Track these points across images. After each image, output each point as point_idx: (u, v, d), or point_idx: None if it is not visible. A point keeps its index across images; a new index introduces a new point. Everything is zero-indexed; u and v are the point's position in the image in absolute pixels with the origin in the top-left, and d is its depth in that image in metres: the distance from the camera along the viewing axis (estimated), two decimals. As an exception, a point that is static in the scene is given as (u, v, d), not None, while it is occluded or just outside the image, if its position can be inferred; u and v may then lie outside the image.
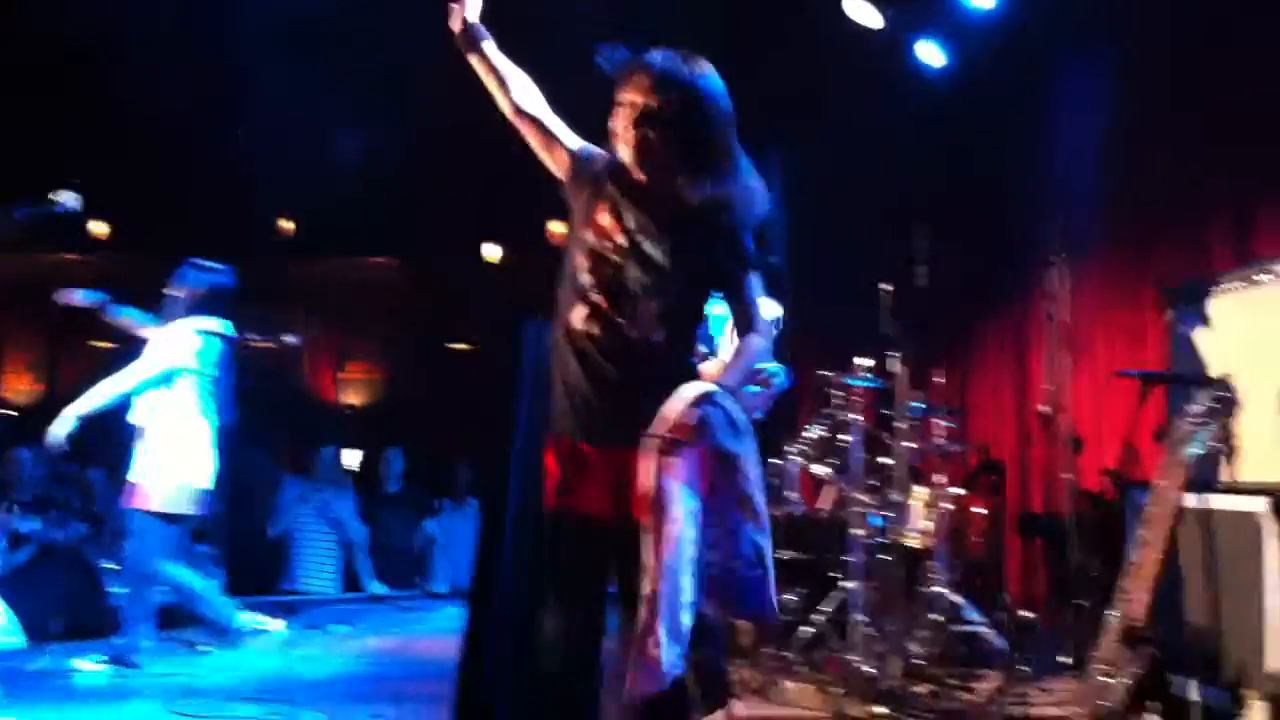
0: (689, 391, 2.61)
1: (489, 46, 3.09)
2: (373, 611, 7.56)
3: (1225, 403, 3.73)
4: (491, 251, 11.14)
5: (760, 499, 2.68)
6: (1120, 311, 5.86)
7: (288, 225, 11.21)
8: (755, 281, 2.89)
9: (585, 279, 2.82)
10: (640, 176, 2.84)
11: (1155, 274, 5.02)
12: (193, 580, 5.45)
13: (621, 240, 2.81)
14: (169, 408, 5.40)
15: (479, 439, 7.90)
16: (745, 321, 2.87)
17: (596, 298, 2.79)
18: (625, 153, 2.83)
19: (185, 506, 5.41)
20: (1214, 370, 3.89)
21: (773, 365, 3.61)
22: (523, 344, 3.50)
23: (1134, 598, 3.54)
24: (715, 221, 2.81)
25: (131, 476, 5.38)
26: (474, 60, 3.10)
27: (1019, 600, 6.27)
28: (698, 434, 2.57)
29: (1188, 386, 3.96)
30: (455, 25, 3.08)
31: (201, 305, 5.51)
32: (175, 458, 5.37)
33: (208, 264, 5.62)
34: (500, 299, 10.18)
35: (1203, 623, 3.87)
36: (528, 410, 3.43)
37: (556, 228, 9.94)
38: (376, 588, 8.16)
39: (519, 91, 3.02)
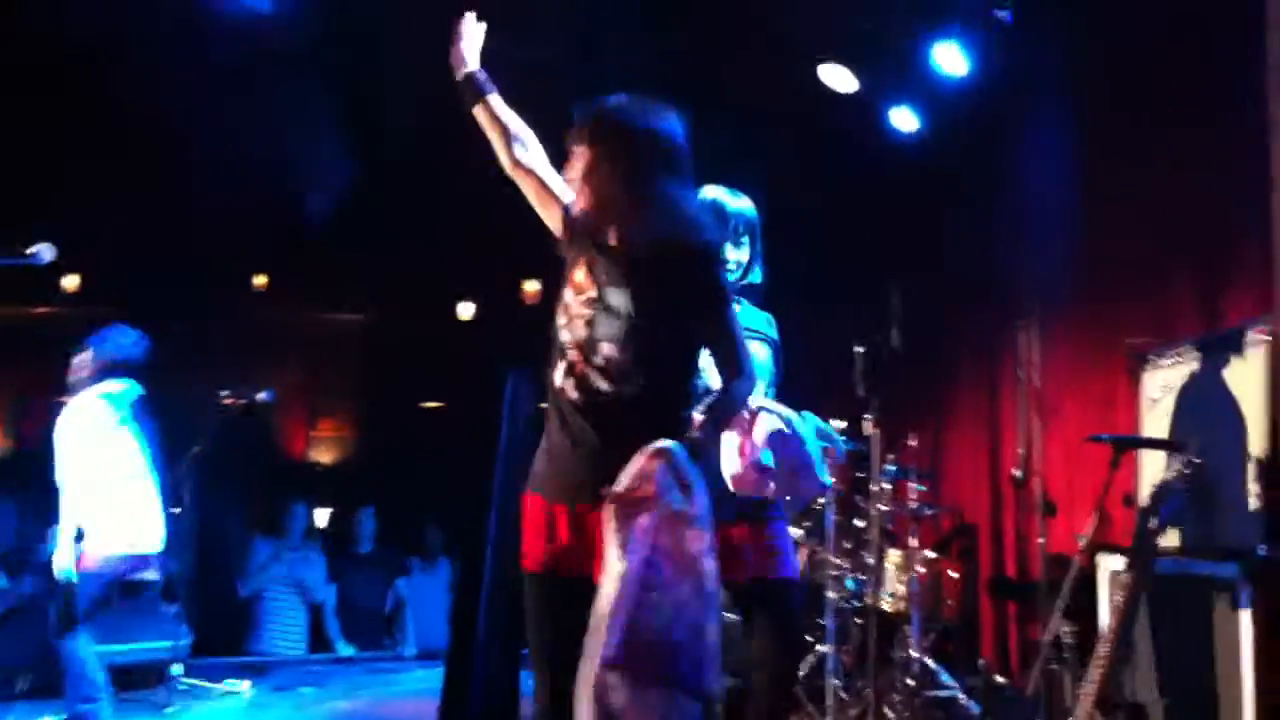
0: (647, 449, 2.58)
1: (495, 100, 3.09)
2: (342, 673, 7.48)
3: (1196, 467, 3.76)
4: (465, 310, 11.13)
5: (708, 564, 2.59)
6: (1091, 374, 5.89)
7: (261, 280, 11.17)
8: (732, 315, 2.83)
9: (563, 336, 2.82)
10: (599, 225, 2.85)
11: (1125, 337, 5.04)
12: (88, 657, 5.20)
13: (592, 293, 2.81)
14: (102, 471, 5.29)
15: (454, 497, 7.87)
16: (725, 360, 2.80)
17: (572, 355, 2.79)
18: (580, 203, 2.85)
19: (121, 568, 5.31)
20: (1184, 435, 3.91)
21: (829, 429, 3.66)
22: (506, 397, 3.51)
23: (1110, 665, 3.54)
24: (673, 259, 2.77)
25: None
26: (478, 112, 3.10)
27: (993, 665, 6.24)
28: (645, 494, 2.54)
29: (1159, 451, 3.98)
30: (459, 74, 3.08)
31: (110, 371, 5.43)
32: (114, 521, 5.26)
33: (122, 329, 5.56)
34: (473, 357, 10.15)
35: (1178, 689, 3.86)
36: (504, 467, 3.43)
37: (531, 286, 9.96)
38: (345, 649, 8.08)
39: (520, 146, 3.02)
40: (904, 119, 7.06)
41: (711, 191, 3.65)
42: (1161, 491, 3.71)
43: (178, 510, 6.52)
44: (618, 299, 2.77)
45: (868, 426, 5.35)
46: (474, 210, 8.43)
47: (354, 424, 12.25)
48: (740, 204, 3.70)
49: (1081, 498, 5.74)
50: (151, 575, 5.61)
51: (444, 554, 8.82)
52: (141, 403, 5.52)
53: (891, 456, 5.66)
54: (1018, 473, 5.79)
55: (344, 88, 7.56)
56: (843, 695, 5.25)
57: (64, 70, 7.12)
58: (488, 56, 3.15)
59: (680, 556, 2.55)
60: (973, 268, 7.14)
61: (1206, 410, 4.01)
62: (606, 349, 2.75)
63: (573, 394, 2.77)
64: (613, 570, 2.52)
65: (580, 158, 2.83)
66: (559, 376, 2.80)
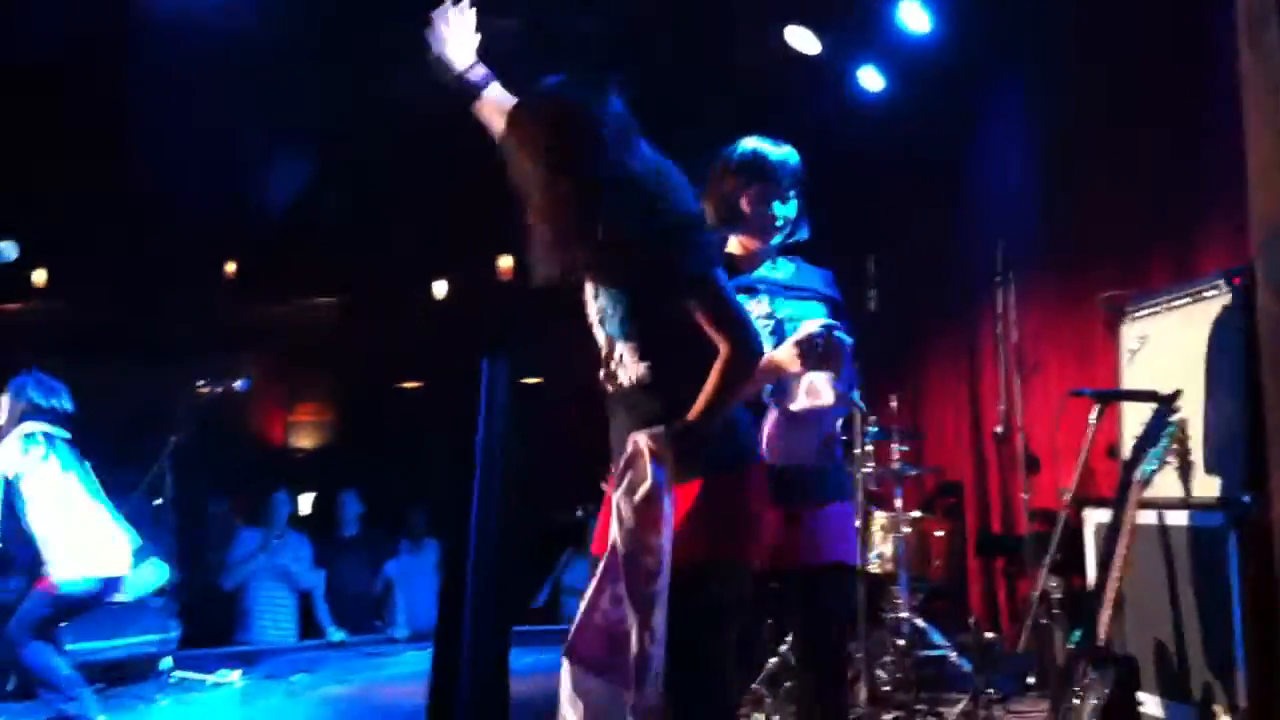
0: (634, 437, 2.55)
1: (491, 95, 2.98)
2: (333, 658, 7.44)
3: (1178, 418, 3.77)
4: (440, 288, 11.07)
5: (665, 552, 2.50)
6: (1068, 328, 5.90)
7: (231, 268, 11.10)
8: (719, 284, 2.63)
9: (596, 334, 2.79)
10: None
11: (1100, 290, 5.04)
12: (47, 660, 5.33)
13: (591, 288, 2.78)
14: (51, 506, 5.45)
15: (437, 480, 7.85)
16: (718, 332, 2.58)
17: (602, 352, 2.77)
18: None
19: (91, 591, 5.44)
20: (1164, 386, 3.91)
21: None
22: (482, 383, 3.47)
23: (1099, 617, 3.56)
24: (638, 236, 2.60)
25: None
26: (480, 109, 3.00)
27: (983, 622, 6.27)
28: (637, 480, 2.51)
29: (1141, 403, 3.99)
30: (450, 74, 2.99)
31: (31, 414, 5.55)
32: (79, 547, 5.42)
33: (37, 378, 5.67)
34: (450, 336, 10.11)
35: (1168, 640, 3.88)
36: (484, 455, 3.40)
37: (506, 262, 9.91)
38: (336, 634, 8.05)
39: None
40: (870, 79, 7.04)
41: (751, 142, 3.39)
42: (1145, 443, 3.73)
43: (159, 502, 6.53)
44: (606, 291, 2.72)
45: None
46: (444, 187, 8.41)
47: (332, 407, 12.21)
48: (783, 153, 3.39)
49: (1064, 452, 5.75)
50: (121, 597, 5.72)
51: (430, 534, 8.79)
52: (69, 444, 5.63)
53: (873, 418, 5.66)
54: (999, 429, 5.80)
55: (309, 69, 7.48)
56: (834, 659, 5.26)
57: (25, 67, 7.03)
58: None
59: (649, 545, 2.48)
60: (946, 227, 7.14)
61: (1184, 360, 4.01)
62: (616, 342, 2.72)
63: (606, 389, 2.76)
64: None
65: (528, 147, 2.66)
66: (600, 377, 2.78)
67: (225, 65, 7.05)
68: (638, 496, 2.48)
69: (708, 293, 2.61)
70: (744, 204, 3.37)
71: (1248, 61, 2.05)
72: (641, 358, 2.67)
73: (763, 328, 3.22)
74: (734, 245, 3.45)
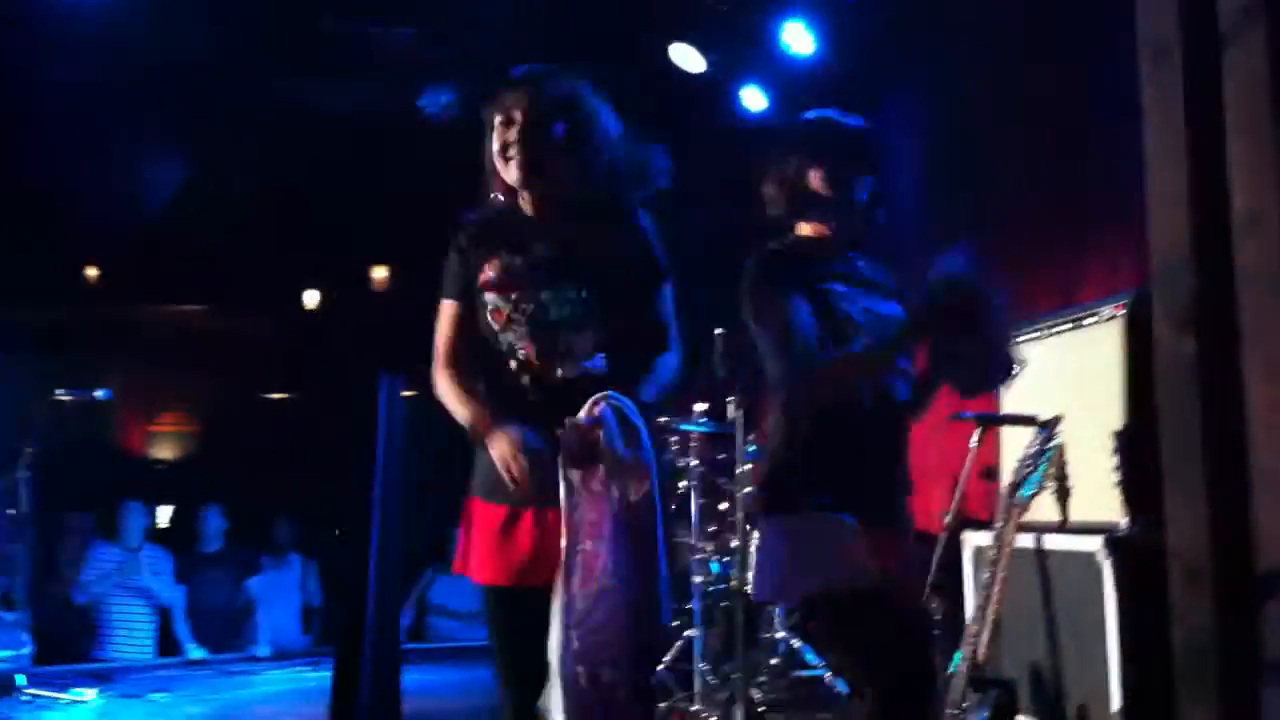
0: (595, 397, 2.51)
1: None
2: (193, 676, 7.22)
3: (1059, 443, 3.82)
4: (311, 298, 10.87)
5: (653, 515, 2.52)
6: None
7: (94, 272, 10.77)
8: (668, 295, 2.74)
9: (506, 338, 2.71)
10: (531, 199, 2.75)
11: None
12: None
13: (521, 279, 2.72)
14: None
15: (317, 496, 7.68)
16: (666, 330, 2.71)
17: (523, 351, 2.69)
18: (513, 173, 2.74)
19: None
20: (1044, 411, 3.96)
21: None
22: (381, 401, 3.39)
23: (978, 640, 3.58)
24: (618, 225, 2.73)
25: None
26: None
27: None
28: (594, 435, 2.46)
29: (1021, 427, 4.03)
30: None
31: None
32: None
33: None
34: (320, 347, 9.93)
35: (1045, 663, 3.93)
36: (383, 473, 3.32)
37: (379, 274, 9.77)
38: (196, 651, 7.81)
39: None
40: (753, 99, 7.08)
41: (821, 113, 3.14)
42: (1025, 466, 3.77)
43: (13, 512, 6.28)
44: (564, 278, 2.69)
45: (730, 409, 5.34)
46: (318, 196, 8.26)
47: (196, 418, 11.90)
48: (855, 125, 3.10)
49: (939, 473, 5.82)
50: None
51: (294, 550, 8.60)
52: None
53: (753, 437, 5.66)
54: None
55: (179, 73, 7.29)
56: (710, 679, 5.24)
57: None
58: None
59: (628, 510, 2.47)
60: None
61: (1065, 386, 4.07)
62: (565, 335, 2.67)
63: (532, 382, 2.69)
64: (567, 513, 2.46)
65: (518, 124, 2.71)
66: (510, 378, 2.70)
67: (94, 64, 6.85)
68: (616, 455, 2.43)
69: (668, 291, 2.68)
70: (814, 183, 3.06)
71: (1150, 94, 2.07)
72: (597, 348, 2.64)
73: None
74: (805, 230, 3.13)
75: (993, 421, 4.13)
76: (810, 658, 5.46)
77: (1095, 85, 4.68)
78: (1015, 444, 4.03)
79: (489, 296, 2.73)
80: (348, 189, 7.88)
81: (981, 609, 3.62)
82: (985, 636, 3.56)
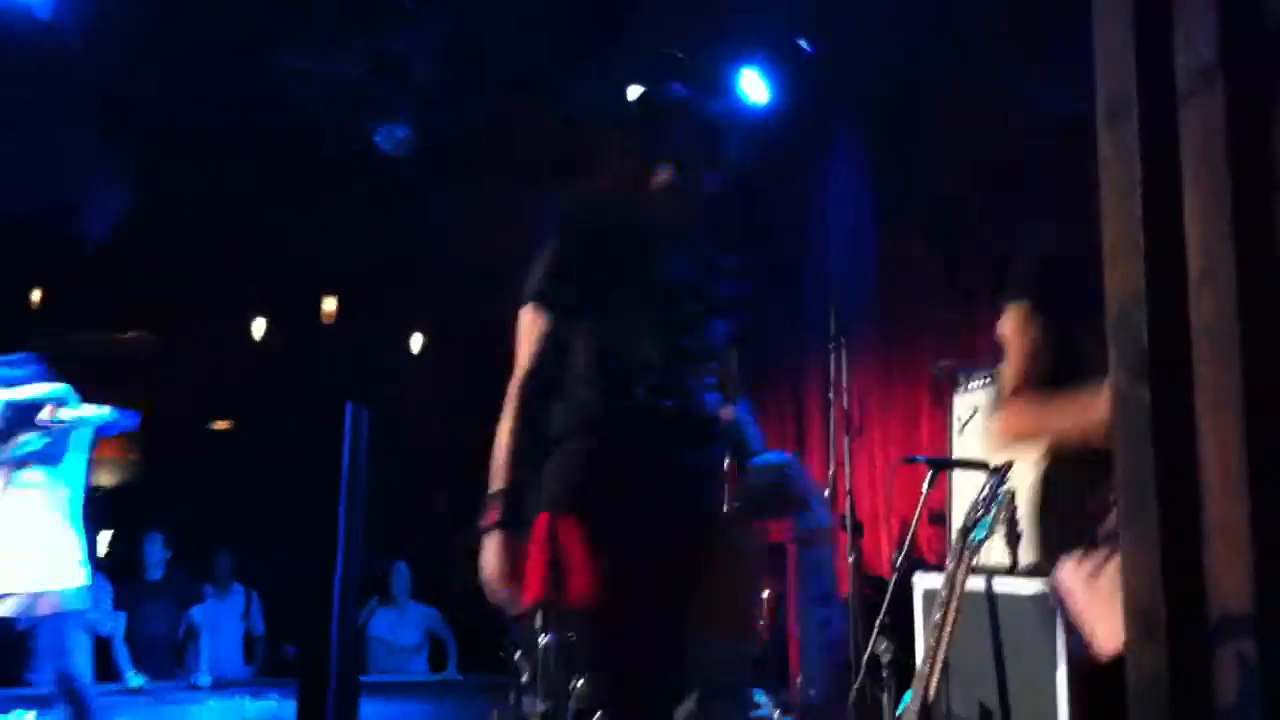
0: None
1: None
2: (131, 704, 7.13)
3: (1007, 487, 3.87)
4: (258, 327, 10.78)
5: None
6: (897, 396, 6.04)
7: (37, 296, 10.65)
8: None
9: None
10: None
11: (930, 360, 5.18)
12: None
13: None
14: None
15: (262, 526, 7.62)
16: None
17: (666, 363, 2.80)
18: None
19: None
20: (994, 456, 4.01)
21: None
22: (345, 429, 3.39)
23: (927, 681, 3.61)
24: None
25: None
26: None
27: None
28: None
29: (972, 471, 4.09)
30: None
31: None
32: None
33: None
34: (267, 376, 9.85)
35: (993, 704, 3.96)
36: (347, 500, 3.32)
37: (329, 305, 9.72)
38: (135, 679, 7.70)
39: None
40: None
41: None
42: (978, 510, 3.82)
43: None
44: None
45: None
46: (268, 224, 8.22)
47: (138, 446, 11.75)
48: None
49: (888, 516, 5.88)
50: None
51: (237, 580, 8.52)
52: None
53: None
54: (825, 493, 5.88)
55: (126, 97, 7.25)
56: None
57: None
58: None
59: None
60: (779, 292, 7.25)
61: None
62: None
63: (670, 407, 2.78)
64: None
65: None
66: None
67: (41, 86, 6.80)
68: None
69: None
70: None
71: (1106, 147, 2.13)
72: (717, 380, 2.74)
73: None
74: None
75: (944, 465, 4.19)
76: (758, 697, 5.47)
77: (1040, 134, 4.78)
78: (965, 489, 4.08)
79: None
80: (297, 218, 7.87)
81: (932, 650, 3.65)
82: (935, 678, 3.59)
